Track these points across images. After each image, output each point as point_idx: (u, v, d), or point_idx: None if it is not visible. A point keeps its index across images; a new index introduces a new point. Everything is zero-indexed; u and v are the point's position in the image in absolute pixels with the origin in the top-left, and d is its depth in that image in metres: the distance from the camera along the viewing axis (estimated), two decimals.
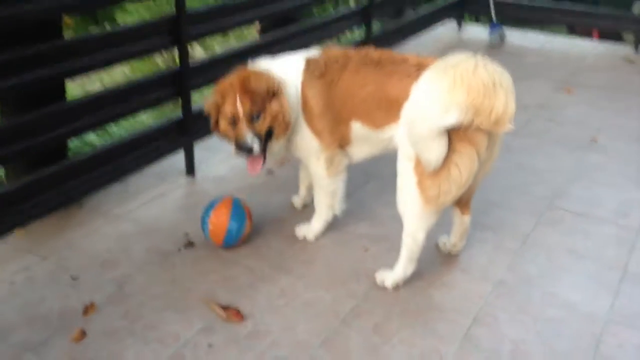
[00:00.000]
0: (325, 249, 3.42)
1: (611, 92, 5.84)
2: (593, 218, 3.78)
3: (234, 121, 3.07)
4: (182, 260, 3.31)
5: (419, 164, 2.86)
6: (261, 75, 3.08)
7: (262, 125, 3.06)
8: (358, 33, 5.91)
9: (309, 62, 3.19)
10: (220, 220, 3.27)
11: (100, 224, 3.60)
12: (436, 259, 3.35)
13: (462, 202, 3.19)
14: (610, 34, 8.54)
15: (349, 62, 3.13)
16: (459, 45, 7.08)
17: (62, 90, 3.97)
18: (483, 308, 3.01)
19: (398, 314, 2.96)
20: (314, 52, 3.27)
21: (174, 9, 3.78)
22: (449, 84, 2.62)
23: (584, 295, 3.11)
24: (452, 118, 2.65)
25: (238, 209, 3.32)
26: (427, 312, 2.98)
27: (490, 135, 2.78)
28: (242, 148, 3.04)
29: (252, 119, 3.04)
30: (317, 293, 3.08)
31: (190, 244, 3.43)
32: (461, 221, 3.25)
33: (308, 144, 3.26)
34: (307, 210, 3.73)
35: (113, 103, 3.64)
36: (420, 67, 2.95)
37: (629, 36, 9.02)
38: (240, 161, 4.20)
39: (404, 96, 2.91)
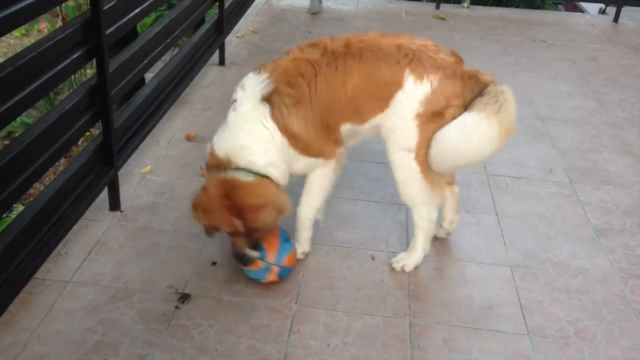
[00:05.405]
0: (335, 268, 3.10)
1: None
2: (530, 179, 3.98)
3: (230, 233, 2.81)
4: (191, 320, 2.74)
5: (419, 153, 2.82)
6: (248, 189, 2.72)
7: (259, 235, 2.81)
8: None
9: (269, 99, 2.74)
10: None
11: (50, 298, 2.80)
12: (438, 250, 3.26)
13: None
14: None
15: (319, 68, 2.75)
16: (281, 15, 6.85)
17: None
18: (519, 294, 3.00)
19: (456, 324, 2.81)
20: (260, 82, 2.76)
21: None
22: (500, 130, 2.72)
23: (583, 259, 3.28)
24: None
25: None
26: (479, 312, 2.88)
27: None
28: (242, 260, 2.85)
29: (249, 233, 2.76)
30: (365, 321, 2.79)
31: (185, 297, 2.85)
32: (452, 193, 3.23)
33: (313, 164, 2.95)
34: None
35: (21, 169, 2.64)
36: (400, 50, 2.80)
37: None
38: (160, 178, 3.66)
39: (397, 85, 2.80)
